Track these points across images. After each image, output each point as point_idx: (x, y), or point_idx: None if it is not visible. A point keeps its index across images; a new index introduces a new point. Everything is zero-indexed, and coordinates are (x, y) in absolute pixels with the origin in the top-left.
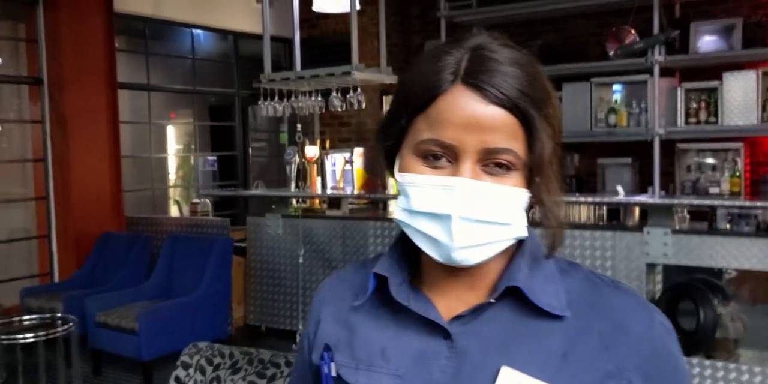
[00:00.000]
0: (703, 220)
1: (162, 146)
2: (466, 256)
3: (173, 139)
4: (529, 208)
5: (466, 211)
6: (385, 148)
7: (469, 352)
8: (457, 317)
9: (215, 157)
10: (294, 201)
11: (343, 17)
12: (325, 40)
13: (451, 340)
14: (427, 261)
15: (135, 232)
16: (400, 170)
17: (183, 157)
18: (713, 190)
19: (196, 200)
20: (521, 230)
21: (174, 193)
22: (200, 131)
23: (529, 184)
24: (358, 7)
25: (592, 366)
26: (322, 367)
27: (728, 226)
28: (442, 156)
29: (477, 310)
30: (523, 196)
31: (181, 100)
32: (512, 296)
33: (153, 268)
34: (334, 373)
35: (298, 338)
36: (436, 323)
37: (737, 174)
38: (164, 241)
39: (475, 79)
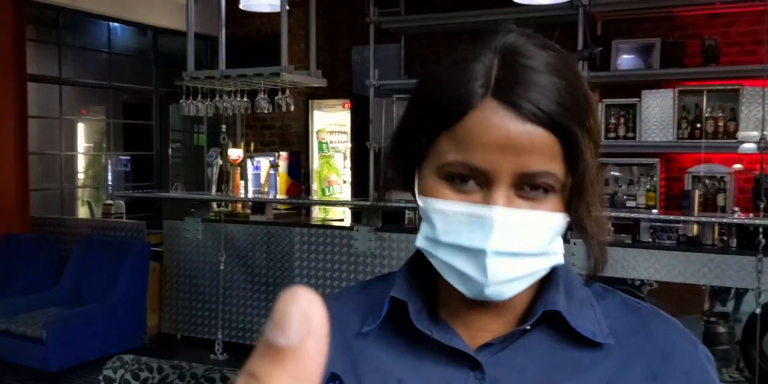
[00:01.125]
0: (627, 232)
1: (72, 144)
2: (500, 291)
3: (84, 136)
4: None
5: (502, 245)
6: (403, 168)
7: None
8: (486, 346)
9: (129, 157)
10: (215, 205)
11: (269, 17)
12: (250, 39)
13: (481, 372)
14: (447, 288)
15: (42, 233)
16: (421, 193)
17: (94, 156)
18: (630, 203)
19: (109, 202)
20: (558, 258)
21: (83, 194)
22: (114, 129)
23: (568, 206)
24: (287, 7)
25: None
26: None
27: (651, 239)
28: (470, 178)
29: (508, 338)
30: (562, 221)
31: (94, 95)
32: (547, 323)
33: (62, 272)
34: None
35: (216, 347)
36: (461, 353)
37: (653, 188)
38: (74, 244)
39: (509, 92)
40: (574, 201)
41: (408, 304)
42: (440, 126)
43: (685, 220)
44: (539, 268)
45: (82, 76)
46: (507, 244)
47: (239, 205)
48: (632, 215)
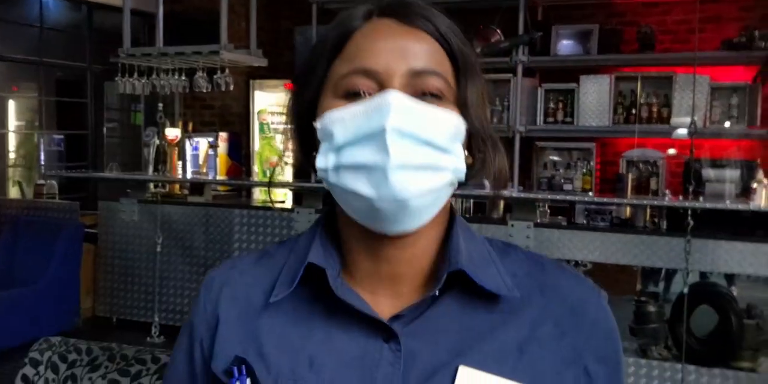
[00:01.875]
0: (562, 215)
1: (2, 122)
2: (405, 181)
3: (14, 114)
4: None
5: (401, 122)
6: (299, 110)
7: (418, 355)
8: (398, 316)
9: (62, 136)
10: (152, 186)
11: None
12: (189, 16)
13: (396, 343)
14: (352, 244)
15: None
16: (319, 116)
17: (25, 135)
18: (567, 186)
19: (41, 181)
20: (460, 161)
21: (14, 174)
22: (46, 107)
23: (463, 116)
24: None
25: (550, 354)
26: None
27: (585, 221)
28: (366, 93)
29: (420, 307)
30: (460, 124)
31: (26, 72)
32: (455, 285)
33: None
34: None
35: (153, 330)
36: (374, 324)
37: (589, 172)
38: (4, 225)
39: (396, 9)
40: (467, 112)
41: (327, 271)
42: (332, 53)
43: (618, 203)
44: (442, 165)
45: (13, 51)
46: (406, 123)
47: (177, 186)
48: (567, 197)
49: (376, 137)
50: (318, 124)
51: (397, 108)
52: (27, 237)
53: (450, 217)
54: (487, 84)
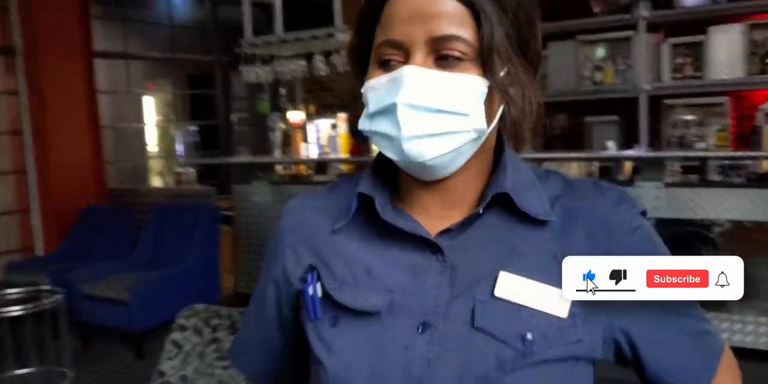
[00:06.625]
0: (694, 173)
1: (140, 117)
2: (419, 149)
3: (152, 109)
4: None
5: (411, 98)
6: (358, 75)
7: (461, 266)
8: (445, 231)
9: (196, 128)
10: (280, 168)
11: None
12: (304, 2)
13: (441, 255)
14: (404, 178)
15: (118, 204)
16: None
17: (163, 128)
18: (699, 145)
19: (180, 169)
20: (480, 122)
21: (155, 165)
22: (180, 101)
23: (488, 74)
24: None
25: None
26: (305, 289)
27: (719, 178)
28: (394, 59)
29: (465, 224)
30: (478, 84)
31: (159, 69)
32: (497, 206)
33: (138, 240)
34: (320, 294)
35: None
36: (423, 240)
37: (723, 128)
38: (149, 212)
39: None
40: (488, 65)
41: (375, 198)
42: (371, 21)
43: (754, 156)
44: (458, 128)
45: (146, 50)
46: (417, 98)
47: (303, 167)
48: (699, 154)
49: (390, 111)
50: (363, 90)
51: (410, 83)
52: (171, 221)
53: (499, 148)
54: (524, 26)
